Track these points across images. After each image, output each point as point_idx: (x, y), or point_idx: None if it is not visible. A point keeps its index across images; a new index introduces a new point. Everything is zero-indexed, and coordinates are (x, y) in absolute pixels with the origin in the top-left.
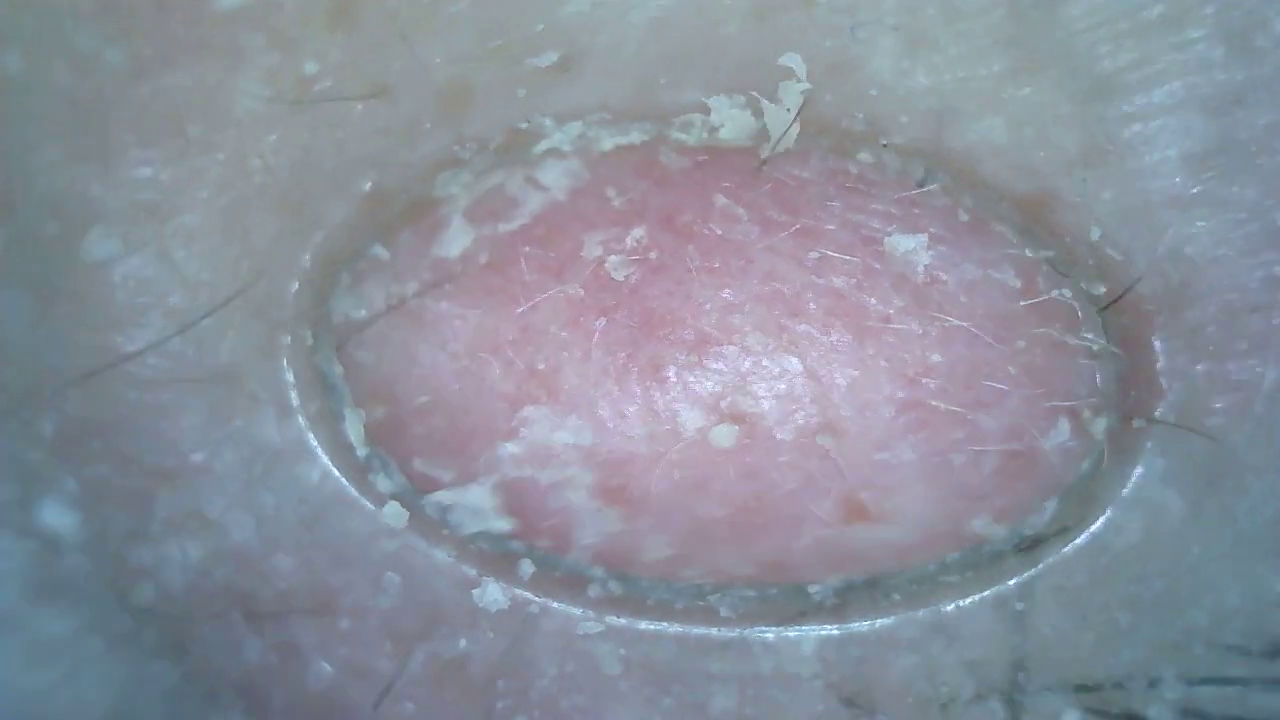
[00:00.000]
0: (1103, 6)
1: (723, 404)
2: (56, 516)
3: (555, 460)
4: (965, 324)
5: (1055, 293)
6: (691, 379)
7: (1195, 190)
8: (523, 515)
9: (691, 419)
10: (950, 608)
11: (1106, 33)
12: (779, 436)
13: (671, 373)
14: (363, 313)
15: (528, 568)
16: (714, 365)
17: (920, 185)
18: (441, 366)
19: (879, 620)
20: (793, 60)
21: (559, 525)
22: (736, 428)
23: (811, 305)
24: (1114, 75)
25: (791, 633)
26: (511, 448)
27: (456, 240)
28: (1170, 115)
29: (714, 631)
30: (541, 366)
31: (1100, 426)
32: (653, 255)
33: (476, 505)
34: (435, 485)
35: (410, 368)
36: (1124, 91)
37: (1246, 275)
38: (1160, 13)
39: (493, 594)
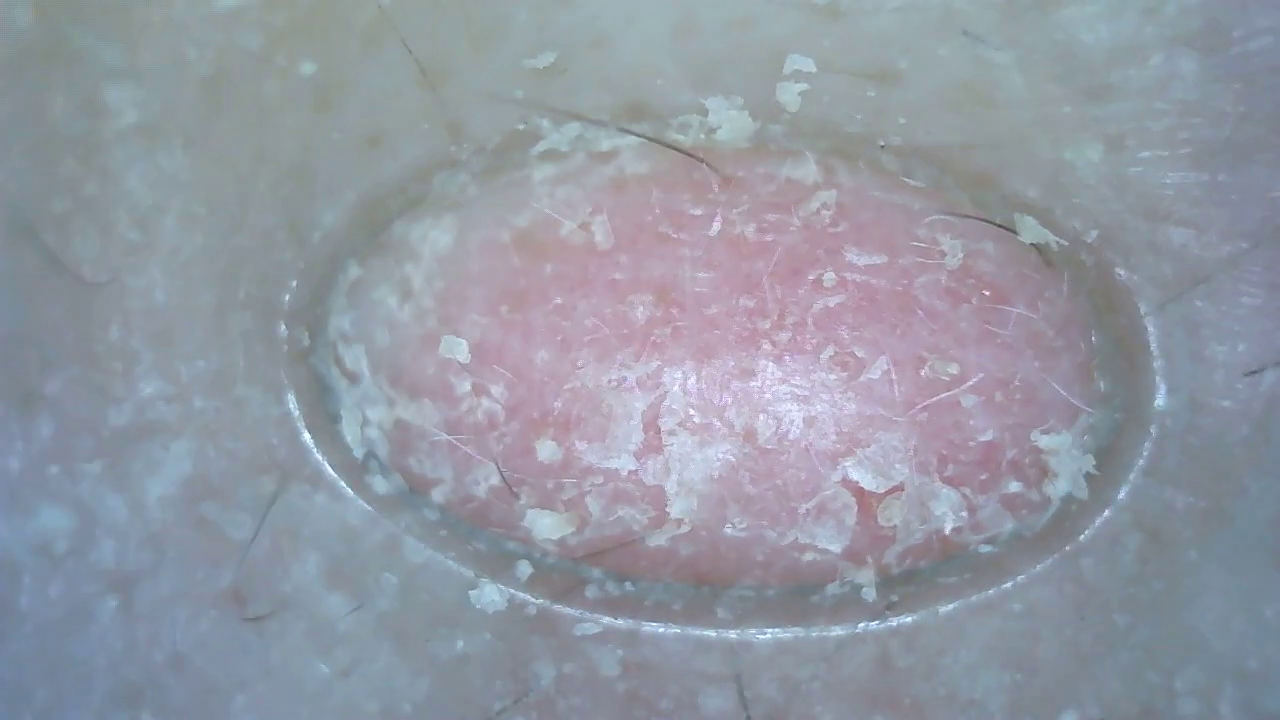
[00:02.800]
0: (1100, 7)
1: (722, 406)
2: None
3: (555, 461)
4: (963, 324)
5: (1054, 293)
6: (694, 380)
7: (1194, 190)
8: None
9: (694, 422)
10: (948, 609)
11: (1106, 32)
12: (777, 440)
13: (674, 376)
14: (360, 313)
15: (525, 569)
16: (714, 366)
17: (917, 185)
18: (439, 367)
19: (876, 622)
20: (792, 61)
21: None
22: (738, 432)
23: (810, 308)
24: (1111, 74)
25: (789, 634)
26: (511, 449)
27: (454, 241)
28: (1169, 115)
29: (712, 633)
30: (541, 367)
31: (1098, 427)
32: (652, 255)
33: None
34: (432, 486)
35: (408, 368)
36: (1123, 91)
37: (1246, 275)
38: (1160, 12)
39: (490, 595)
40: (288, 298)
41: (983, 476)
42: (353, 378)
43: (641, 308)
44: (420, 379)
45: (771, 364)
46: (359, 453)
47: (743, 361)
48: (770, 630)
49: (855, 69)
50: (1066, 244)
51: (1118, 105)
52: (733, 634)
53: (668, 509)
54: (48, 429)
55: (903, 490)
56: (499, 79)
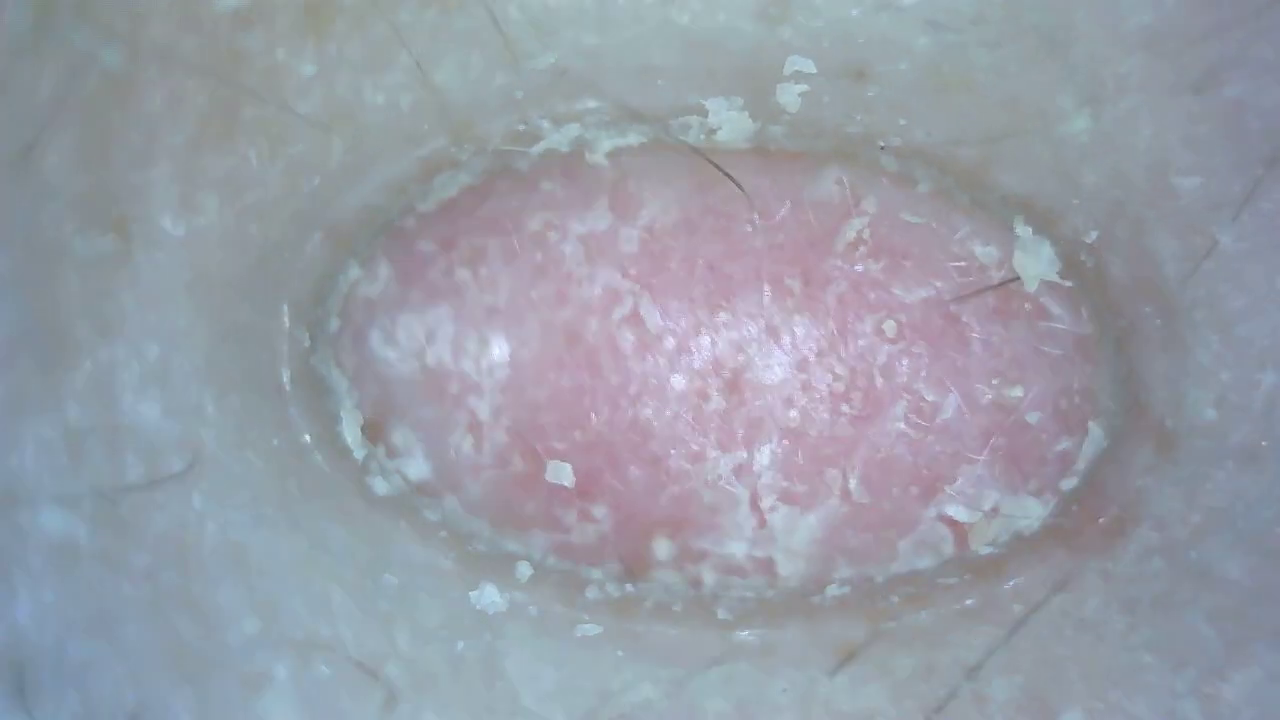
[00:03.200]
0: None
1: (813, 472)
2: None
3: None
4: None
5: (1053, 294)
6: (695, 382)
7: (1194, 189)
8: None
9: (792, 492)
10: (948, 609)
11: (1106, 31)
12: (871, 495)
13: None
14: (359, 315)
15: (525, 570)
16: (798, 437)
17: (917, 187)
18: (441, 369)
19: (876, 623)
20: (793, 63)
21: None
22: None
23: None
24: (1114, 74)
25: (790, 635)
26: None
27: (455, 242)
28: (1168, 116)
29: (712, 633)
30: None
31: (1097, 428)
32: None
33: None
34: (434, 486)
35: (409, 370)
36: (1122, 91)
37: (1245, 274)
38: (1159, 11)
39: (490, 596)
40: (288, 298)
41: (984, 479)
42: (353, 378)
43: (716, 394)
44: (418, 380)
45: (850, 426)
46: (359, 454)
47: (824, 429)
48: (770, 631)
49: (853, 69)
50: (1067, 246)
51: (1116, 105)
52: (733, 635)
53: (777, 571)
54: (47, 431)
55: (997, 512)
56: (499, 80)
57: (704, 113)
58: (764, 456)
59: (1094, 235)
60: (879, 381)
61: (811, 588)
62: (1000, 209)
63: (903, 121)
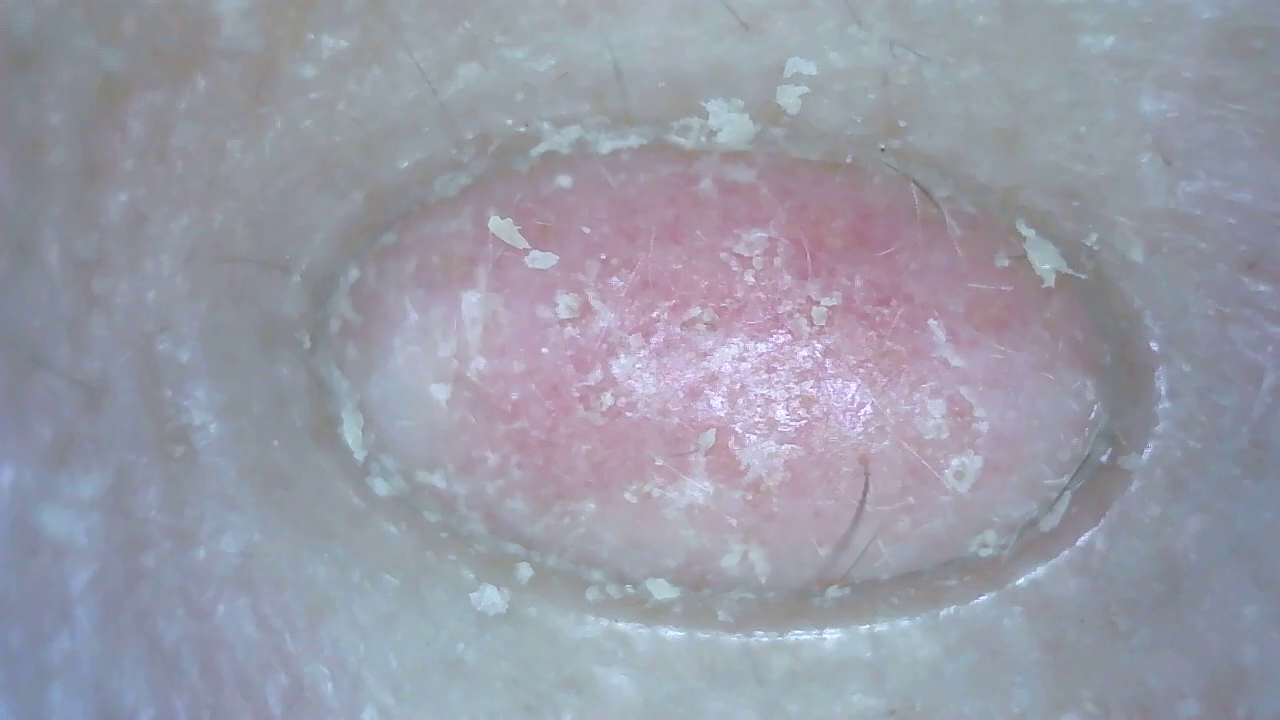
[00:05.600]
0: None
1: (641, 440)
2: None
3: (490, 509)
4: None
5: (1052, 296)
6: (615, 423)
7: (1194, 189)
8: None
9: (621, 461)
10: (948, 611)
11: (1106, 30)
12: (778, 445)
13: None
14: (361, 316)
15: (525, 571)
16: (629, 404)
17: (919, 190)
18: (443, 368)
19: (877, 624)
20: (793, 65)
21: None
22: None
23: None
24: (1113, 75)
25: (790, 636)
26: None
27: (454, 244)
28: (1168, 118)
29: (712, 635)
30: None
31: (1097, 431)
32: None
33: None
34: (434, 488)
35: (408, 370)
36: (1123, 92)
37: (1245, 275)
38: (1159, 11)
39: (490, 597)
40: (289, 300)
41: (983, 480)
42: (354, 380)
43: (647, 311)
44: (419, 380)
45: (848, 428)
46: (360, 455)
47: (822, 432)
48: (771, 633)
49: (854, 72)
50: (1066, 248)
51: (1115, 108)
52: (734, 637)
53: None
54: (47, 432)
55: (905, 492)
56: (500, 82)
57: (704, 115)
58: (769, 456)
59: (1094, 238)
60: (875, 379)
61: (812, 590)
62: (1002, 212)
63: (902, 124)
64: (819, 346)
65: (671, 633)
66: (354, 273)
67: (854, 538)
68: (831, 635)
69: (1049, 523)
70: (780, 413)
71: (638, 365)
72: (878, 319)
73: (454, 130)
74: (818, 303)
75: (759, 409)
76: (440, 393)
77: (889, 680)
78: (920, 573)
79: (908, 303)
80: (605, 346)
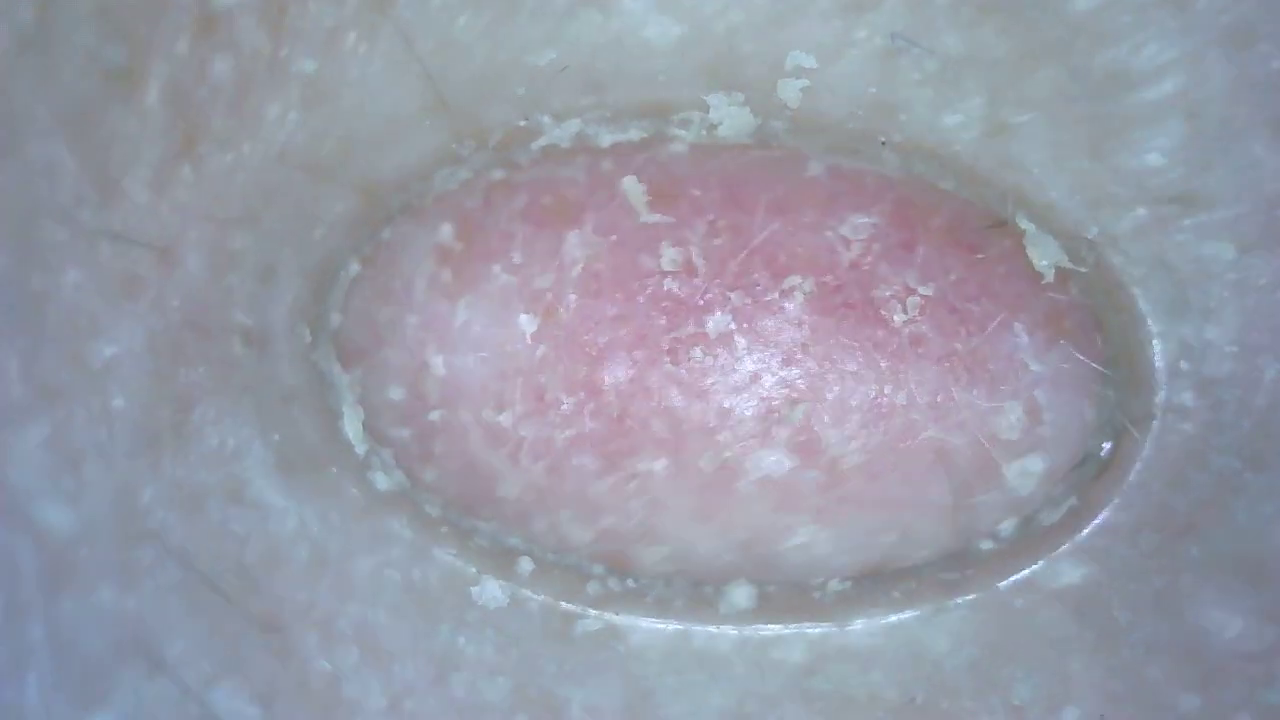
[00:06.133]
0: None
1: (725, 406)
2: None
3: (556, 461)
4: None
5: (1054, 293)
6: (701, 382)
7: (1193, 189)
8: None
9: (701, 423)
10: (950, 605)
11: (1110, 28)
12: (783, 437)
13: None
14: (361, 309)
15: (527, 565)
16: (717, 366)
17: (918, 182)
18: (441, 363)
19: (877, 618)
20: (794, 58)
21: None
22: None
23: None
24: (1115, 72)
25: (790, 630)
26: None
27: (455, 238)
28: (1169, 115)
29: (713, 629)
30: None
31: (1098, 425)
32: (759, 221)
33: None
34: (434, 483)
35: (409, 364)
36: (1124, 89)
37: (1245, 271)
38: (1162, 10)
39: (491, 591)
40: (289, 293)
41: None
42: (354, 373)
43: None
44: (420, 375)
45: (861, 419)
46: (361, 450)
47: (835, 422)
48: (771, 627)
49: (856, 68)
50: (1066, 243)
51: (1118, 103)
52: (734, 631)
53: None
54: (44, 430)
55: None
56: (500, 76)
57: (705, 108)
58: (848, 438)
59: (1094, 231)
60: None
61: (814, 583)
62: (1002, 204)
63: (903, 118)
64: (907, 334)
65: (672, 626)
66: (354, 267)
67: (922, 528)
68: (832, 629)
69: (1049, 517)
70: (865, 394)
71: (731, 326)
72: (967, 314)
73: (454, 124)
74: (914, 291)
75: (848, 387)
76: (528, 324)
77: (890, 674)
78: (922, 566)
79: (916, 294)
80: (702, 303)
